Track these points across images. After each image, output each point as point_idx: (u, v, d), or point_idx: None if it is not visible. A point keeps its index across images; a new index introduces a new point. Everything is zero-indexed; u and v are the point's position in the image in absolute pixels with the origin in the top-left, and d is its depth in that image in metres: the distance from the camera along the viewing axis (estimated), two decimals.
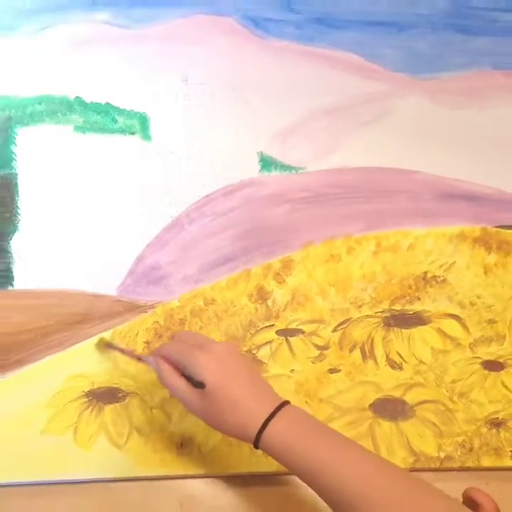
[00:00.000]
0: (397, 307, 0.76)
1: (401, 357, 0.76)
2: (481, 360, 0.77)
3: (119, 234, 0.72)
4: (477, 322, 0.77)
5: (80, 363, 0.71)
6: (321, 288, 0.75)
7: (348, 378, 0.75)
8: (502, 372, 0.77)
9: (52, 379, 0.71)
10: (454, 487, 0.57)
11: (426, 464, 0.75)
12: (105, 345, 0.71)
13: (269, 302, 0.74)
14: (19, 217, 0.71)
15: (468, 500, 0.59)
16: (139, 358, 0.68)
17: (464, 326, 0.77)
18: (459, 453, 0.76)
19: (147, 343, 0.72)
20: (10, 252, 0.71)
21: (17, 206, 0.71)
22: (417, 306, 0.77)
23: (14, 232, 0.71)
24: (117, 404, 0.72)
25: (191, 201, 0.74)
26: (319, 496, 0.58)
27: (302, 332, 0.75)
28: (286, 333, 0.75)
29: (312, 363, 0.75)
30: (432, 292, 0.77)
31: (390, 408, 0.75)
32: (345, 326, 0.75)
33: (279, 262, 0.75)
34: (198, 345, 0.63)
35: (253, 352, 0.74)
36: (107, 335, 0.71)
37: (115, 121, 0.72)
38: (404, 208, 0.76)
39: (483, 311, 0.77)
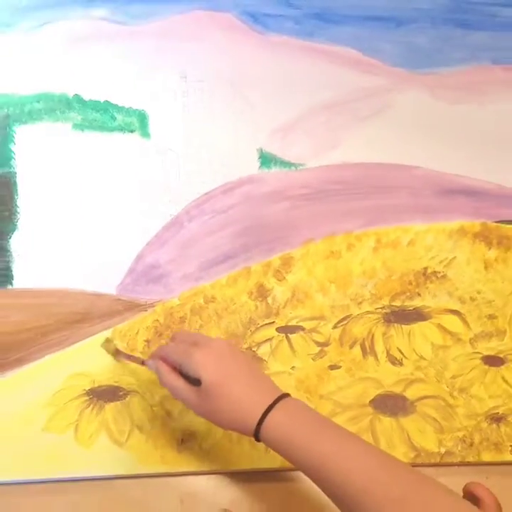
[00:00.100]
0: (398, 303, 0.76)
1: (401, 353, 0.76)
2: (481, 356, 0.77)
3: (119, 232, 0.72)
4: (477, 317, 0.77)
5: (81, 361, 0.71)
6: (321, 285, 0.75)
7: (348, 374, 0.75)
8: (502, 367, 0.77)
9: (53, 378, 0.71)
10: (455, 482, 0.57)
11: (426, 459, 0.75)
12: (112, 351, 0.71)
13: (269, 299, 0.74)
14: (18, 215, 0.71)
15: (469, 495, 0.59)
16: (143, 362, 0.68)
17: (464, 322, 0.77)
18: (459, 448, 0.76)
19: (147, 341, 0.72)
20: (9, 251, 0.71)
21: (16, 205, 0.71)
22: (417, 302, 0.77)
23: (13, 230, 0.71)
24: (118, 403, 0.72)
25: (190, 199, 0.73)
26: (321, 489, 0.58)
27: (302, 329, 0.75)
28: (287, 330, 0.75)
29: (312, 359, 0.75)
30: (432, 288, 0.77)
31: (391, 404, 0.75)
32: (345, 322, 0.75)
33: (279, 259, 0.74)
34: (195, 343, 0.63)
35: (253, 349, 0.74)
36: (109, 335, 0.71)
37: (114, 118, 0.72)
38: (404, 204, 0.76)
39: (483, 306, 0.77)
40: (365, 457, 0.57)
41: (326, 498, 0.59)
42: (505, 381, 0.77)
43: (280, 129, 0.75)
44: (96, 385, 0.71)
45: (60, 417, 0.70)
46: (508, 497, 0.60)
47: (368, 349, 0.76)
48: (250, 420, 0.59)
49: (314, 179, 0.75)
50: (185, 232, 0.73)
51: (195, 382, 0.61)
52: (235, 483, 0.72)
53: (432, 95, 0.77)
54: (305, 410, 0.61)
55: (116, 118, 0.72)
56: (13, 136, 0.71)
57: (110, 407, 0.71)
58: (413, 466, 0.74)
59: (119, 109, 0.72)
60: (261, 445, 0.71)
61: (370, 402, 0.75)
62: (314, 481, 0.58)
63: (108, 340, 0.71)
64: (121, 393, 0.72)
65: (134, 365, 0.70)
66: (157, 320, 0.72)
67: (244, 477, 0.72)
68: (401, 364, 0.76)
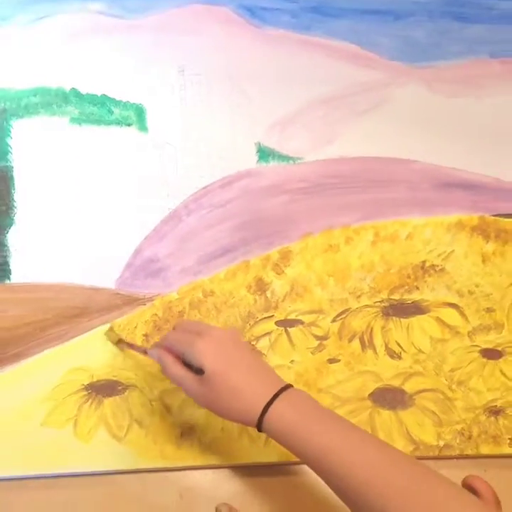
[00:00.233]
0: (396, 297, 0.76)
1: (400, 346, 0.76)
2: (479, 349, 0.77)
3: (117, 227, 0.72)
4: (475, 311, 0.77)
5: (79, 356, 0.71)
6: (319, 278, 0.75)
7: (347, 368, 0.75)
8: (500, 360, 0.77)
9: (51, 372, 0.70)
10: (453, 475, 0.57)
11: (425, 452, 0.75)
12: (116, 341, 0.71)
13: (268, 293, 0.74)
14: (15, 210, 0.70)
15: (467, 488, 0.59)
16: (145, 352, 0.68)
17: (463, 315, 0.77)
18: (457, 441, 0.76)
19: (146, 335, 0.72)
20: (6, 246, 0.70)
21: (13, 199, 0.70)
22: (415, 296, 0.77)
23: (11, 225, 0.70)
24: (117, 397, 0.71)
25: (189, 193, 0.73)
26: (324, 481, 0.58)
27: (301, 323, 0.75)
28: (286, 323, 0.75)
29: (311, 353, 0.75)
30: (431, 281, 0.77)
31: (390, 397, 0.75)
32: (344, 316, 0.75)
33: (277, 252, 0.74)
34: (198, 332, 0.63)
35: (252, 343, 0.74)
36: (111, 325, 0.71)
37: (111, 112, 0.72)
38: (402, 198, 0.76)
39: (481, 299, 0.77)
40: (368, 449, 0.57)
41: (326, 491, 0.59)
42: (504, 374, 0.77)
43: (278, 123, 0.75)
44: (95, 380, 0.71)
45: (58, 411, 0.70)
46: (506, 490, 0.61)
47: (366, 343, 0.76)
48: (253, 411, 0.59)
49: (312, 173, 0.75)
50: (183, 226, 0.73)
51: (198, 371, 0.61)
52: (234, 477, 0.72)
53: (430, 89, 0.77)
54: (308, 401, 0.60)
55: (113, 112, 0.72)
56: (10, 130, 0.70)
57: (109, 402, 0.71)
58: None
59: (117, 102, 0.72)
60: (260, 439, 0.72)
61: (369, 395, 0.75)
62: (317, 472, 0.58)
63: (111, 329, 0.71)
64: (120, 388, 0.72)
65: (134, 356, 0.70)
66: (156, 314, 0.72)
67: (243, 471, 0.72)
68: (400, 357, 0.76)
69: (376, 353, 0.76)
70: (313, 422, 0.58)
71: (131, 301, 0.72)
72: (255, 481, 0.72)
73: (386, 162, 0.76)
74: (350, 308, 0.76)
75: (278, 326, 0.75)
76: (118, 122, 0.72)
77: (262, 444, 0.72)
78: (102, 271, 0.71)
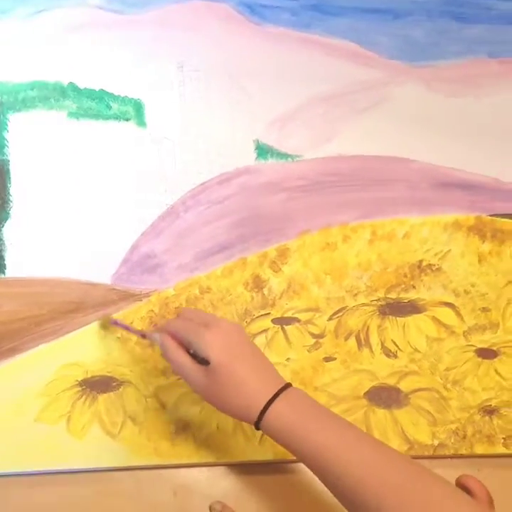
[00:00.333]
0: (393, 295, 0.76)
1: (396, 345, 0.76)
2: (474, 348, 0.77)
3: (114, 222, 0.72)
4: (471, 310, 0.77)
5: (74, 351, 0.70)
6: (316, 276, 0.75)
7: (343, 366, 0.75)
8: (495, 359, 0.78)
9: (46, 368, 0.70)
10: (447, 474, 0.57)
11: (420, 451, 0.75)
12: (110, 322, 0.70)
13: (265, 291, 0.74)
14: (11, 204, 0.70)
15: (461, 487, 0.60)
16: (144, 335, 0.67)
17: (458, 314, 0.77)
18: (452, 440, 0.76)
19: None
20: (2, 240, 0.70)
21: (9, 193, 0.70)
22: (412, 295, 0.77)
23: (6, 219, 0.70)
24: (111, 393, 0.71)
25: (186, 189, 0.73)
26: (320, 480, 0.58)
27: (298, 320, 0.75)
28: (282, 321, 0.75)
29: (308, 351, 0.75)
30: (427, 280, 0.77)
31: (385, 396, 0.75)
32: (340, 314, 0.75)
33: (274, 250, 0.74)
34: (205, 322, 0.63)
35: None
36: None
37: (109, 107, 0.72)
38: (400, 197, 0.76)
39: (477, 299, 0.78)
40: (364, 448, 0.57)
41: (321, 490, 0.59)
42: (498, 374, 0.77)
43: (277, 120, 0.75)
44: (89, 376, 0.71)
45: (52, 407, 0.70)
46: (499, 489, 0.61)
47: (362, 341, 0.76)
48: (253, 408, 0.59)
49: (311, 171, 0.75)
50: (181, 222, 0.73)
51: (202, 361, 0.61)
52: (229, 475, 0.72)
53: (429, 88, 0.77)
54: (306, 401, 0.61)
55: (111, 106, 0.72)
56: (7, 124, 0.70)
57: (103, 398, 0.71)
58: None
59: (115, 97, 0.72)
60: (255, 437, 0.72)
61: (364, 394, 0.75)
62: (313, 470, 0.58)
63: (105, 317, 0.70)
64: (114, 384, 0.71)
65: (128, 354, 0.70)
66: (152, 310, 0.72)
67: (238, 469, 0.72)
68: (395, 356, 0.76)
69: (372, 352, 0.76)
70: (310, 420, 0.59)
71: (128, 297, 0.71)
72: (250, 479, 0.72)
73: (385, 161, 0.76)
74: (346, 306, 0.76)
75: (274, 323, 0.74)
76: (116, 117, 0.72)
77: (257, 441, 0.72)
78: (98, 266, 0.71)
